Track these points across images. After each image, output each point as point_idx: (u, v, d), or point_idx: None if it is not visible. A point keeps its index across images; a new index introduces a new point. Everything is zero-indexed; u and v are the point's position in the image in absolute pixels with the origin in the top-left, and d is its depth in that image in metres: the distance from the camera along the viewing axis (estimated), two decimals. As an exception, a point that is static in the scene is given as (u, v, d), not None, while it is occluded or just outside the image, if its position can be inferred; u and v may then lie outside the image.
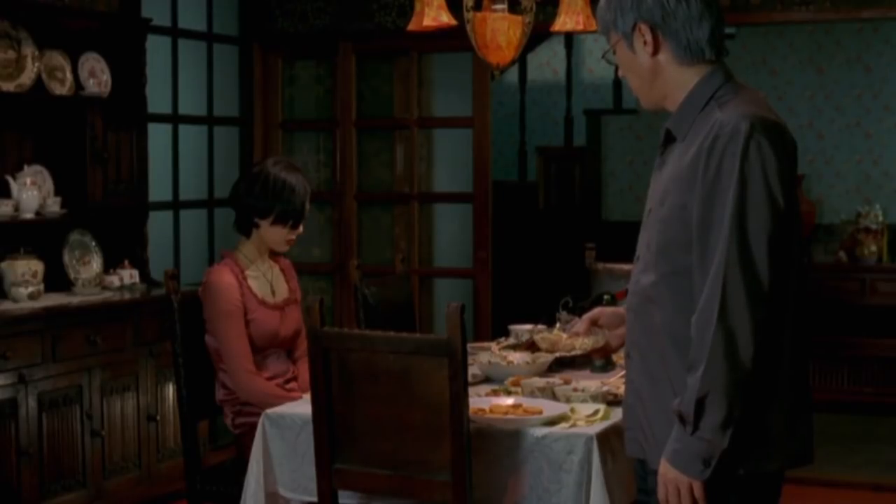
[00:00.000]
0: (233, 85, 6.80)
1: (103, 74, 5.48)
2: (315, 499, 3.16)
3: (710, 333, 2.21)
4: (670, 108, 2.46)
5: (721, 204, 2.23)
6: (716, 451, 2.23)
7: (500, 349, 3.98)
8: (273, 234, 3.92)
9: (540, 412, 3.11)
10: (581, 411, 3.12)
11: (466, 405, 2.89)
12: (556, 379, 3.54)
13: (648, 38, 2.41)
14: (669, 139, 2.45)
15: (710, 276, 2.23)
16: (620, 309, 2.84)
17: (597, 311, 2.91)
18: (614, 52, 2.49)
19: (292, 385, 3.95)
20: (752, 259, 2.21)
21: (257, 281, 3.94)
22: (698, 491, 2.26)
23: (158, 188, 6.01)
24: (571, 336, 3.24)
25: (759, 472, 2.31)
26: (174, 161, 6.35)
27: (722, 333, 2.20)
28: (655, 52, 2.42)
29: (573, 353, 3.49)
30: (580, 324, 2.94)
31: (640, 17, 2.40)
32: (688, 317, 2.29)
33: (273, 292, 3.98)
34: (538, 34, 5.18)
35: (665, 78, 2.44)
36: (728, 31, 8.45)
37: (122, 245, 5.62)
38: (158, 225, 6.09)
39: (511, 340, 4.17)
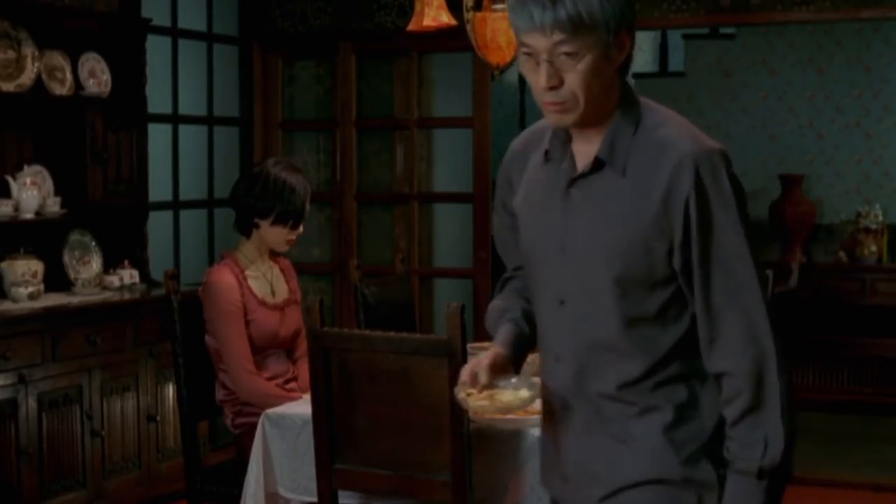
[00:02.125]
0: (233, 85, 6.80)
1: (103, 74, 5.48)
2: (315, 499, 3.16)
3: (772, 374, 2.09)
4: (582, 130, 2.17)
5: (728, 238, 2.09)
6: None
7: (500, 349, 3.97)
8: (273, 234, 3.92)
9: (540, 412, 3.11)
10: (581, 411, 3.12)
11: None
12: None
13: (627, 45, 2.12)
14: (596, 169, 2.15)
15: (739, 312, 2.09)
16: (499, 348, 2.31)
17: (492, 354, 2.29)
18: (571, 55, 2.06)
19: (292, 385, 3.95)
20: (763, 287, 2.13)
21: (257, 281, 3.94)
22: None
23: (158, 188, 6.01)
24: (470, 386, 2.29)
25: None
26: (174, 161, 6.35)
27: (783, 374, 2.10)
28: (623, 63, 2.15)
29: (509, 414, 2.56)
30: (479, 373, 2.24)
31: (626, 22, 2.09)
32: (646, 361, 2.15)
33: (273, 292, 3.98)
34: (538, 34, 5.18)
35: (611, 94, 2.15)
36: (728, 31, 8.48)
37: (122, 245, 5.62)
38: (158, 225, 6.09)
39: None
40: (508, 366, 2.29)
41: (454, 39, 4.76)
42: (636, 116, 2.16)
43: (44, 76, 5.22)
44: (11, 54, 5.10)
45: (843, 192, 8.36)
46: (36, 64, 5.17)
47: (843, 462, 6.06)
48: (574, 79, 2.07)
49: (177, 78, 6.31)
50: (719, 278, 2.10)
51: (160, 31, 6.07)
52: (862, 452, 6.26)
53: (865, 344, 7.43)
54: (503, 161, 2.40)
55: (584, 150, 2.19)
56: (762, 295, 2.10)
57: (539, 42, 2.07)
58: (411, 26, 4.20)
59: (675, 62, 9.05)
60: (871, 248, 7.75)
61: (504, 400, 2.25)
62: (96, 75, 5.46)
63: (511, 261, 2.47)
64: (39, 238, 5.22)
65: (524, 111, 9.86)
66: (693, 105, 8.57)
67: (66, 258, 5.35)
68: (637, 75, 9.05)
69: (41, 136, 5.39)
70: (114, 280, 5.42)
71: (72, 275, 5.33)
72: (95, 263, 5.46)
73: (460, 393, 2.26)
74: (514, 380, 2.28)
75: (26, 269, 5.01)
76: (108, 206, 5.45)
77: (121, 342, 5.08)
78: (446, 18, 4.07)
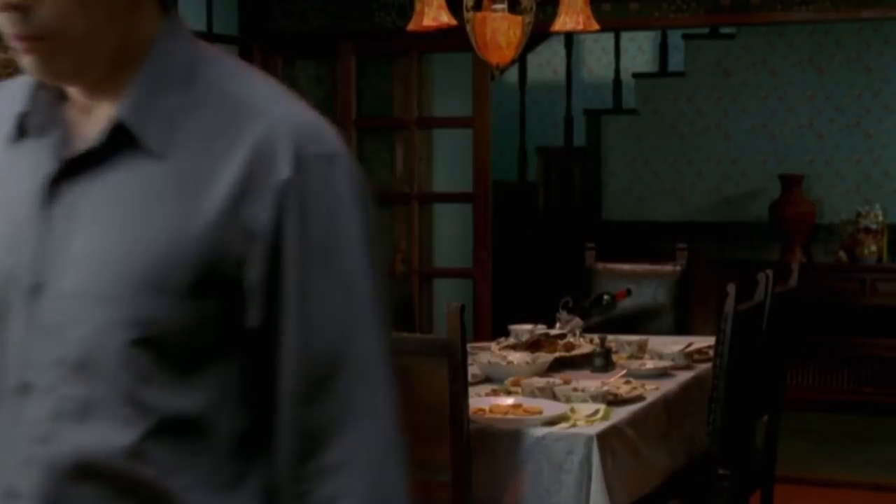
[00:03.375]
0: (233, 85, 6.80)
1: (103, 74, 5.48)
2: (315, 499, 3.13)
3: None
4: (90, 91, 1.29)
5: (347, 277, 1.28)
6: None
7: (500, 349, 3.98)
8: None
9: (540, 412, 3.11)
10: (581, 411, 3.12)
11: (466, 405, 2.90)
12: (556, 379, 3.54)
13: None
14: (115, 145, 1.24)
15: (360, 415, 1.24)
16: None
17: None
18: None
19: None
20: (391, 361, 1.30)
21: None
22: None
23: (158, 188, 6.01)
24: None
25: None
26: (174, 161, 6.34)
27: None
28: None
29: None
30: None
31: None
32: (212, 492, 1.24)
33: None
34: (538, 34, 5.18)
35: (135, 26, 1.27)
36: (728, 31, 8.48)
37: (122, 245, 5.62)
38: (158, 225, 6.09)
39: (511, 340, 4.17)
40: None
41: (454, 39, 4.75)
42: (188, 64, 1.27)
43: (44, 76, 5.22)
44: (12, 54, 5.11)
45: (843, 192, 8.36)
46: (36, 64, 5.18)
47: (843, 462, 6.06)
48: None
49: (177, 78, 6.31)
50: (327, 350, 1.24)
51: (160, 31, 6.07)
52: (862, 452, 6.26)
53: (865, 344, 7.43)
54: None
55: (91, 121, 1.28)
56: (390, 381, 1.28)
57: None
58: (411, 26, 4.21)
59: (675, 62, 9.06)
60: (871, 248, 7.75)
61: None
62: (96, 75, 5.46)
63: None
64: (39, 238, 5.21)
65: (524, 111, 9.87)
66: (693, 105, 8.58)
67: (66, 258, 5.35)
68: (637, 75, 9.06)
69: (41, 136, 5.38)
70: (114, 280, 5.42)
71: (72, 275, 5.32)
72: (95, 263, 5.46)
73: None
74: None
75: (26, 269, 5.01)
76: (108, 206, 5.44)
77: (121, 342, 5.07)
78: (446, 18, 4.07)
